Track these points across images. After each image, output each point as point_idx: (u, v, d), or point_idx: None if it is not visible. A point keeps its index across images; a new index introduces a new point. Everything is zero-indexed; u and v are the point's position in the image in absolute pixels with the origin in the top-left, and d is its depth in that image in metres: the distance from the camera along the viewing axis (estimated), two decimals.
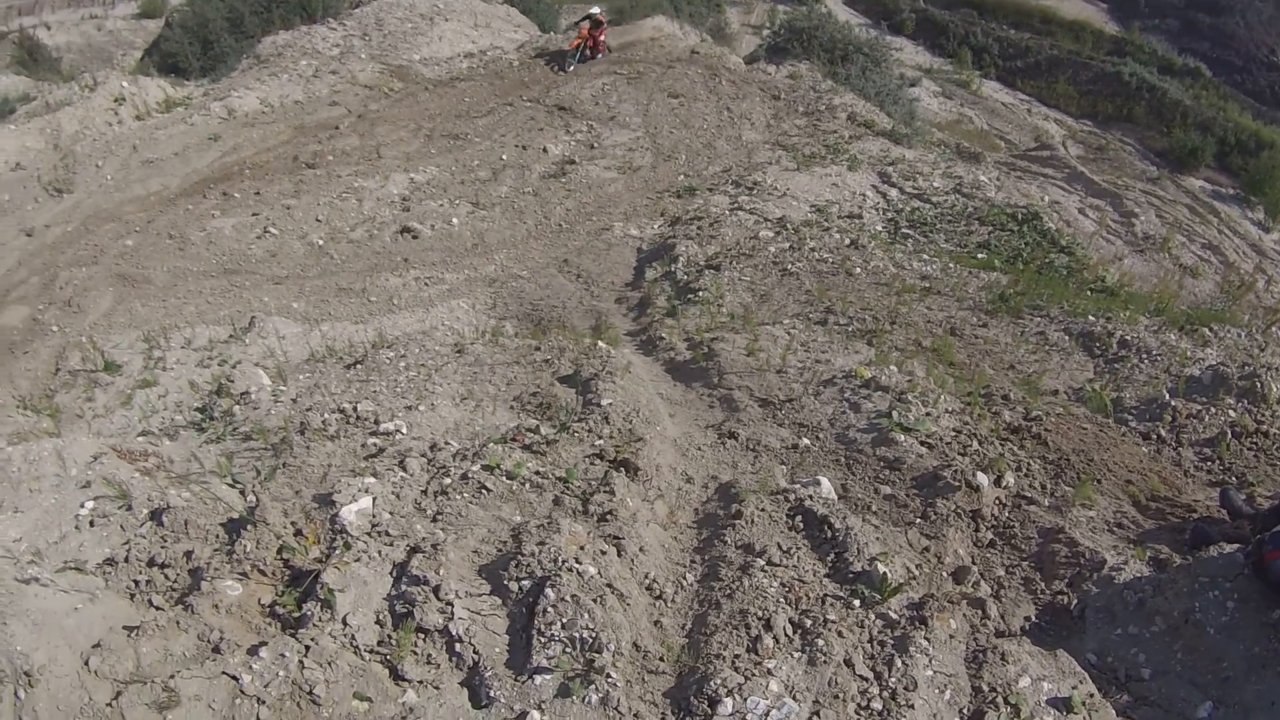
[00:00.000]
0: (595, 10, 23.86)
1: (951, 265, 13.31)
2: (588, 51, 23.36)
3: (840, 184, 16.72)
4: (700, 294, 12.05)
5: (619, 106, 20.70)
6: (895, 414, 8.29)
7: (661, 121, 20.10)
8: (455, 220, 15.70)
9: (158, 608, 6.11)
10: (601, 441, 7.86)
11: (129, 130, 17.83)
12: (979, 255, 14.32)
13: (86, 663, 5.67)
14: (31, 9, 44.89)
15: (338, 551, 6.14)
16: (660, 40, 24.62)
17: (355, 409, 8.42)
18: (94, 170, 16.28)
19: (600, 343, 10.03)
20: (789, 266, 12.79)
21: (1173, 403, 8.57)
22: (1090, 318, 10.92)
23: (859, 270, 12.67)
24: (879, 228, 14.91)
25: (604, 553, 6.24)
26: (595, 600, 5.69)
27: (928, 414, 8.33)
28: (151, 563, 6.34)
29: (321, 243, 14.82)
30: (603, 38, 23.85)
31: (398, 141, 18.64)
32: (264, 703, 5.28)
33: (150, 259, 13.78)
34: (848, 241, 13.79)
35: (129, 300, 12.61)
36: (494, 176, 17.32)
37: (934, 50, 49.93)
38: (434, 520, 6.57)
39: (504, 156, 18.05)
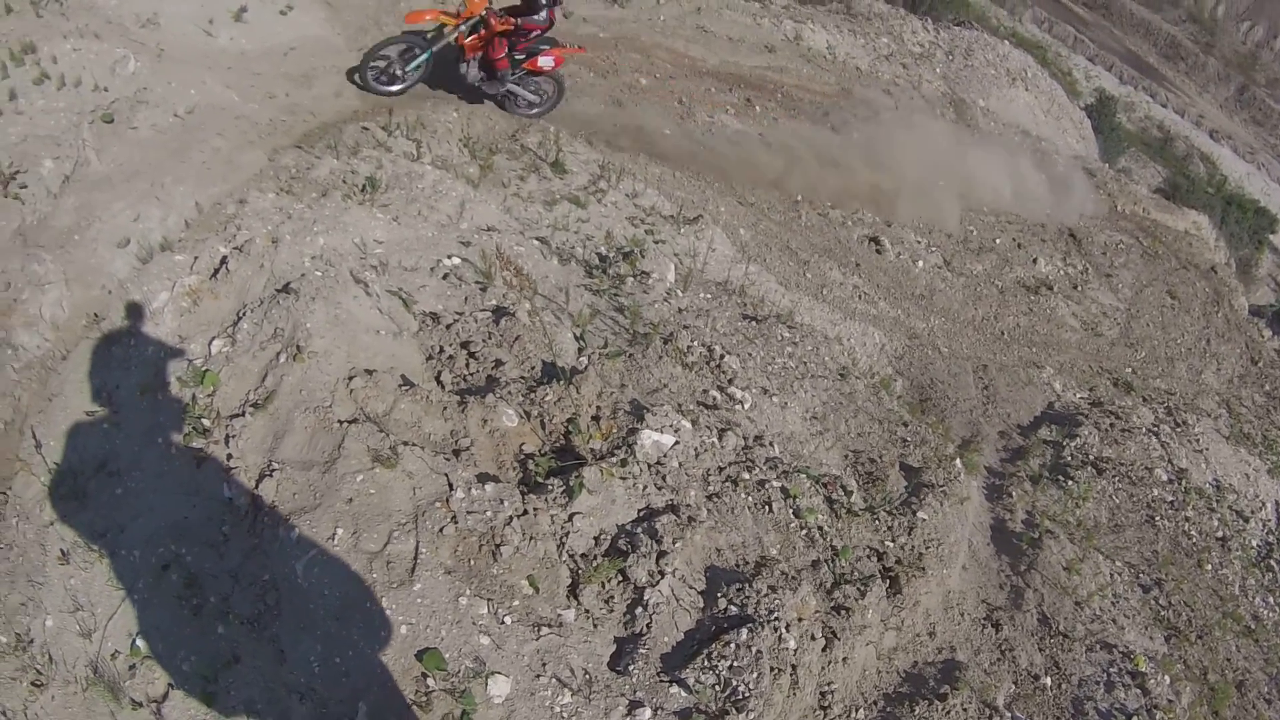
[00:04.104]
0: None
1: None
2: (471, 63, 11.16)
3: (1251, 479, 15.61)
4: (1069, 484, 11.73)
5: (1120, 271, 20.04)
6: None
7: (1145, 310, 19.42)
8: (920, 263, 15.71)
9: (440, 384, 6.59)
10: (891, 545, 7.76)
11: None
12: None
13: (350, 379, 6.21)
14: None
15: (614, 460, 6.35)
16: (1190, 238, 23.54)
17: (723, 358, 8.57)
18: (653, 3, 17.22)
19: (959, 460, 9.86)
20: (1157, 518, 12.28)
21: None
22: None
23: (1209, 568, 12.15)
24: (1254, 544, 14.12)
25: (814, 638, 6.17)
26: (772, 670, 5.65)
27: None
28: (466, 345, 6.86)
29: (799, 198, 15.08)
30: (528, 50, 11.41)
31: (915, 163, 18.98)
32: (456, 522, 5.61)
33: (649, 106, 14.49)
34: (1219, 534, 13.12)
35: (609, 124, 13.32)
36: (978, 251, 17.21)
37: None
38: (708, 498, 6.65)
39: (997, 240, 17.93)
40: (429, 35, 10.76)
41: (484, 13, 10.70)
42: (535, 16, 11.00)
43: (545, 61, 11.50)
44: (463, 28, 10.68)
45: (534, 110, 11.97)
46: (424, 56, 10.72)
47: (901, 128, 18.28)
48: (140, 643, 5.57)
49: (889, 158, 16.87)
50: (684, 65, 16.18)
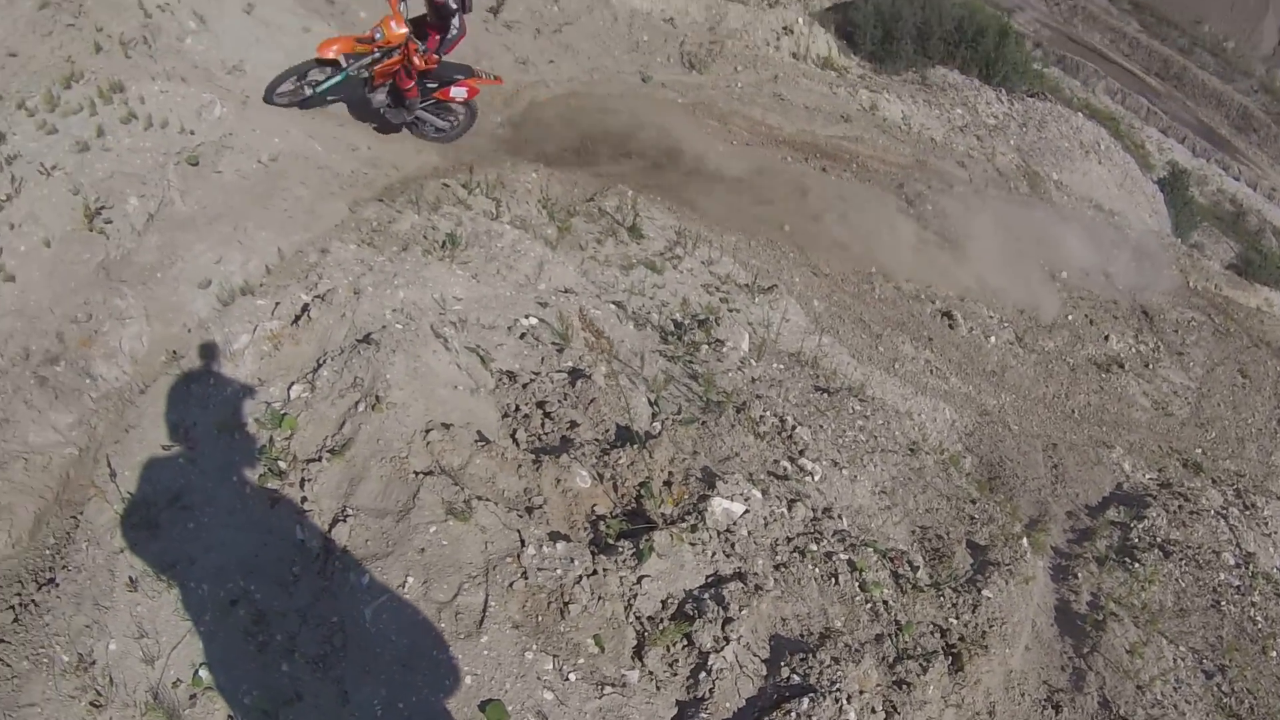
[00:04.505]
0: None
1: None
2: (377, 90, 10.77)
3: None
4: (1135, 566, 11.65)
5: (1191, 349, 19.96)
6: None
7: (1216, 389, 19.33)
8: (993, 339, 15.80)
9: (515, 441, 6.82)
10: (954, 622, 7.84)
11: (779, 60, 19.30)
12: None
13: (427, 431, 6.49)
14: None
15: (685, 525, 6.54)
16: (1262, 315, 23.43)
17: (795, 429, 8.71)
18: (730, 70, 17.78)
19: (1026, 540, 9.88)
20: (1223, 602, 12.12)
21: None
22: None
23: (1274, 654, 11.85)
24: None
25: (874, 711, 6.26)
26: None
27: None
28: (541, 405, 7.11)
29: (874, 270, 15.31)
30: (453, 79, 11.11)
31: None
32: (526, 578, 5.84)
33: (726, 166, 14.73)
34: None
35: (689, 189, 13.59)
36: (1050, 327, 17.30)
37: None
38: (776, 568, 6.80)
39: (1070, 316, 18.05)
40: (343, 59, 10.26)
41: (405, 42, 10.20)
42: (450, 34, 10.40)
43: (458, 93, 11.09)
44: (377, 54, 10.21)
45: (442, 135, 11.52)
46: (337, 79, 10.33)
47: (976, 201, 18.54)
48: (203, 673, 5.78)
49: (965, 232, 17.15)
50: (761, 133, 16.50)
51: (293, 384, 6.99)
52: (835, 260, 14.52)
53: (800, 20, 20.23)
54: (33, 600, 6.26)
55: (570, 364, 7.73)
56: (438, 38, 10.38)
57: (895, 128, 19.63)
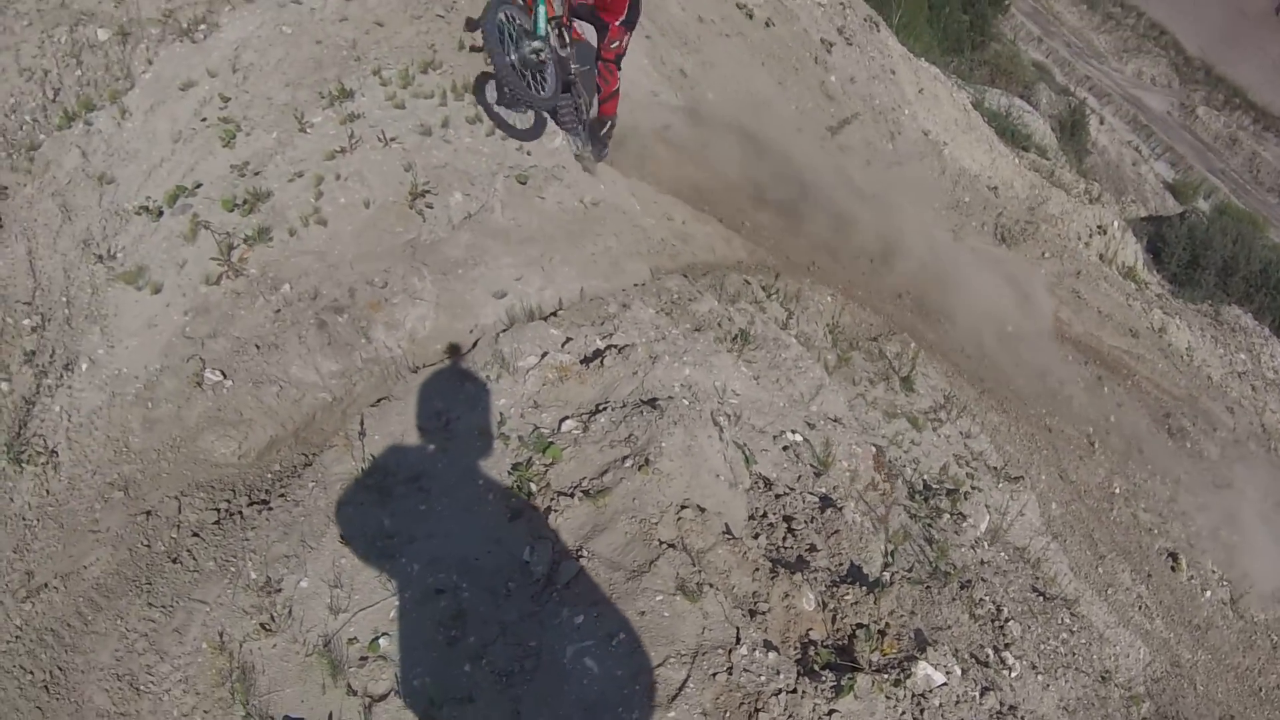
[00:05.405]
0: None
1: None
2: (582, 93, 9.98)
3: None
4: None
5: None
6: None
7: None
8: (1208, 593, 15.57)
9: (757, 544, 7.42)
10: None
11: (1086, 257, 19.74)
12: None
13: (682, 508, 7.10)
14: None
15: (887, 677, 6.87)
16: None
17: (1008, 621, 8.91)
18: (1038, 254, 18.35)
19: None
20: None
21: None
22: None
23: None
24: None
25: None
26: None
27: None
28: (788, 520, 7.70)
29: (1118, 490, 15.36)
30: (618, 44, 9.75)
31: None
32: (730, 673, 6.32)
33: (1009, 345, 15.52)
34: None
35: (968, 357, 14.46)
36: (1269, 598, 16.72)
37: None
38: None
39: None
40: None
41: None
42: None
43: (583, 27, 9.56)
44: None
45: (586, 123, 10.28)
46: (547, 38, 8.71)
47: (1234, 452, 18.62)
48: (383, 642, 6.25)
49: (1215, 480, 17.21)
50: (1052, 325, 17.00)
51: (566, 418, 7.63)
52: (1085, 470, 14.77)
53: (1116, 224, 20.69)
54: (240, 511, 6.97)
55: (824, 490, 8.29)
56: None
57: (1178, 355, 19.86)
